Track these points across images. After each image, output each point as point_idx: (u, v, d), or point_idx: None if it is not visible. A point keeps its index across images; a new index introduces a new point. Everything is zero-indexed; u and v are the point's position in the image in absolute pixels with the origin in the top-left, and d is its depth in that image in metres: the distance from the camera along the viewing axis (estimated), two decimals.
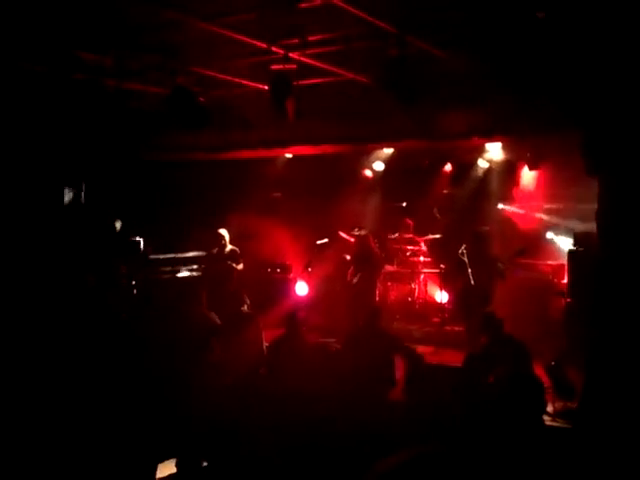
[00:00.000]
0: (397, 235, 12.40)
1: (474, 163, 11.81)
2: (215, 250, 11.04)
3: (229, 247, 11.02)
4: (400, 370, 6.90)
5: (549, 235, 11.13)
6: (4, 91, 8.63)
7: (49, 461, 5.08)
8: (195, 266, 12.12)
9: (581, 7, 6.28)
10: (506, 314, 8.10)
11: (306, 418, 4.50)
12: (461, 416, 4.17)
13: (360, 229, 11.39)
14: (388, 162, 12.35)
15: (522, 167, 11.35)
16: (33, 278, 9.34)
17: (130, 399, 5.97)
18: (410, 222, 12.43)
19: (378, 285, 11.36)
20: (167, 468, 5.93)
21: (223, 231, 11.08)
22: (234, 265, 10.90)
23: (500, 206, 11.76)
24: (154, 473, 5.57)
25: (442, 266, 11.68)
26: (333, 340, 9.97)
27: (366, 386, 5.98)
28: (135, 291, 11.17)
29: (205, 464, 5.37)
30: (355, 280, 10.76)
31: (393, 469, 1.80)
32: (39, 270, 9.52)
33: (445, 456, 1.87)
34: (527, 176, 11.38)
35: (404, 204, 12.80)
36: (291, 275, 12.55)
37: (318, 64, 7.99)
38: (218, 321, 8.28)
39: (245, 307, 9.84)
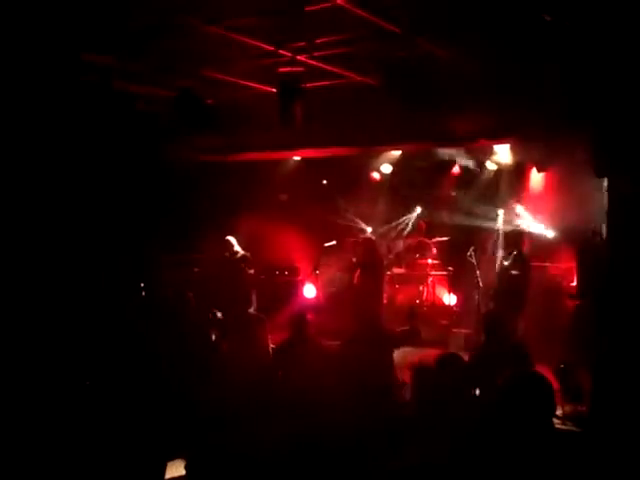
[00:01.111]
0: (408, 238, 12.42)
1: (482, 165, 11.77)
2: (227, 254, 11.10)
3: (241, 252, 11.09)
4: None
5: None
6: (10, 93, 8.64)
7: (59, 460, 5.09)
8: (203, 267, 12.15)
9: (589, 8, 6.25)
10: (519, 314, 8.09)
11: (313, 420, 4.49)
12: (469, 417, 4.14)
13: (366, 232, 11.42)
14: (396, 164, 12.34)
15: (531, 169, 11.30)
16: (42, 280, 9.35)
17: (138, 399, 5.98)
18: (424, 225, 12.43)
19: (386, 287, 11.34)
20: (175, 469, 5.96)
21: (231, 238, 11.14)
22: (246, 268, 10.97)
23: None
24: (163, 473, 5.57)
25: (450, 268, 11.66)
26: (340, 343, 9.95)
27: (371, 389, 5.96)
28: (143, 293, 11.20)
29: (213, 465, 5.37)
30: (362, 282, 10.75)
31: (402, 470, 1.79)
32: (47, 272, 9.53)
33: (452, 457, 1.86)
34: (536, 178, 11.33)
35: (419, 210, 12.74)
36: (299, 278, 12.55)
37: (325, 67, 7.99)
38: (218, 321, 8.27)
39: (252, 309, 9.82)
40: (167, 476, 5.77)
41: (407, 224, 12.70)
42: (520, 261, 9.63)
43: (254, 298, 11.42)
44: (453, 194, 12.46)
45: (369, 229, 12.49)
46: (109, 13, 6.43)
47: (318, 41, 7.18)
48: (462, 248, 11.08)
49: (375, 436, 4.15)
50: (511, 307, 8.92)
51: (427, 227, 12.43)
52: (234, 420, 5.29)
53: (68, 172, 10.22)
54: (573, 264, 10.13)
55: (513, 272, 9.53)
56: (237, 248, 11.14)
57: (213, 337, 8.13)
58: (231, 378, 6.57)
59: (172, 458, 6.01)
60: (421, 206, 12.71)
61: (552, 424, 3.70)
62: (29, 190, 9.76)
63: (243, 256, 11.11)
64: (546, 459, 3.32)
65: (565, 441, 4.52)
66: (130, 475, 5.18)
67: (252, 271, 11.07)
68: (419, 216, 12.70)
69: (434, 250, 12.24)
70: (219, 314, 8.50)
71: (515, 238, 9.88)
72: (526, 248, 9.98)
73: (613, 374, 6.59)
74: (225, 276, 11.06)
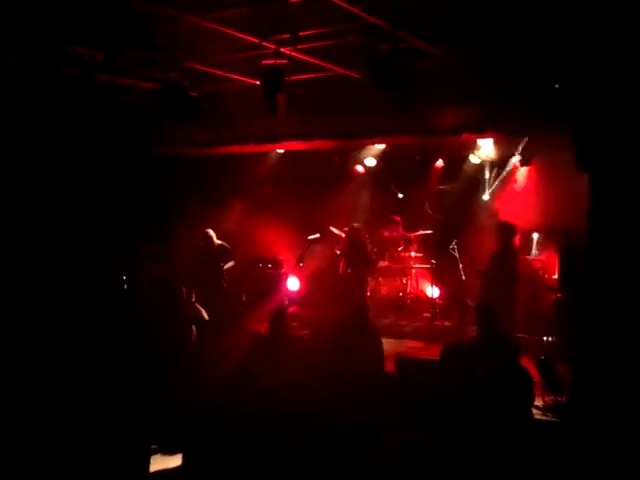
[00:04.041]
0: (387, 232, 12.44)
1: (466, 159, 11.82)
2: (202, 244, 11.03)
3: (217, 242, 11.03)
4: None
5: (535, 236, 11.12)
6: None
7: (43, 457, 5.08)
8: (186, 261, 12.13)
9: (572, 6, 6.30)
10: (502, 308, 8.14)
11: (292, 412, 4.52)
12: (450, 408, 4.19)
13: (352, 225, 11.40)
14: (380, 158, 12.38)
15: (514, 163, 11.38)
16: (27, 280, 9.30)
17: (121, 394, 5.97)
18: (398, 218, 12.46)
19: (369, 280, 11.39)
20: (164, 461, 5.98)
21: (210, 231, 11.10)
22: (222, 264, 10.94)
23: (485, 197, 11.79)
24: (147, 466, 5.59)
25: (433, 261, 11.72)
26: (322, 334, 9.98)
27: (352, 380, 5.99)
28: (125, 286, 11.16)
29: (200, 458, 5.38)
30: (346, 274, 10.78)
31: (379, 459, 1.81)
32: (32, 270, 9.48)
33: (432, 447, 1.88)
34: (519, 172, 11.41)
35: (400, 195, 12.83)
36: (283, 270, 12.56)
37: (310, 59, 7.98)
38: (205, 316, 8.30)
39: (237, 304, 9.86)
40: (162, 467, 5.81)
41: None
42: (510, 254, 9.67)
43: (244, 292, 11.47)
44: (436, 187, 12.52)
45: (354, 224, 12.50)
46: (94, 5, 6.39)
47: (302, 34, 7.18)
48: (445, 241, 11.15)
49: (357, 426, 4.18)
50: (500, 300, 8.97)
51: (404, 220, 12.47)
52: (214, 413, 5.31)
53: (49, 165, 10.18)
54: (555, 257, 10.21)
55: (503, 265, 9.58)
56: (216, 240, 11.09)
57: (195, 330, 8.15)
58: (213, 372, 6.58)
59: (159, 451, 6.06)
60: (403, 199, 12.80)
61: (531, 414, 3.76)
62: (10, 184, 9.71)
63: (220, 247, 11.06)
64: (525, 449, 3.37)
65: (545, 431, 4.58)
66: (114, 467, 5.19)
67: (231, 263, 11.03)
68: (400, 203, 12.78)
69: (414, 242, 12.29)
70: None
71: (506, 231, 9.84)
72: (517, 241, 10.01)
73: (592, 365, 6.67)
74: (204, 269, 11.01)
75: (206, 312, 8.53)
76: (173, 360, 6.86)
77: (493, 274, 9.56)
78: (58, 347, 7.22)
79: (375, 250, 11.91)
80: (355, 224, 11.17)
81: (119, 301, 10.47)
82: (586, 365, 6.74)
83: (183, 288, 8.60)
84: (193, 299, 8.61)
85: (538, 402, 6.67)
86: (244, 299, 11.31)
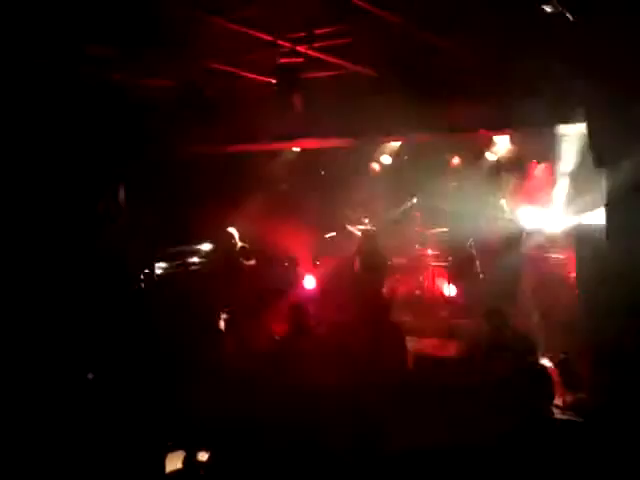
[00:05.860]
0: (404, 229, 12.43)
1: (482, 156, 11.76)
2: (226, 247, 11.14)
3: (239, 244, 11.12)
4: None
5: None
6: (10, 86, 8.63)
7: (58, 452, 5.11)
8: (204, 260, 12.19)
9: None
10: (517, 306, 8.12)
11: (312, 411, 4.52)
12: (466, 405, 4.17)
13: (367, 223, 11.38)
14: (395, 155, 12.35)
15: (531, 160, 11.31)
16: (39, 273, 9.36)
17: (139, 392, 6.00)
18: (418, 215, 12.44)
19: (386, 279, 11.36)
20: (173, 463, 5.99)
21: (232, 230, 11.16)
22: (245, 262, 11.02)
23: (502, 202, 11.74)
24: (163, 465, 5.60)
25: (450, 259, 11.67)
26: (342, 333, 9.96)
27: (373, 379, 5.99)
28: (142, 285, 11.21)
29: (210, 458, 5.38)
30: (363, 274, 10.76)
31: (401, 455, 1.81)
32: (43, 266, 9.52)
33: (454, 447, 1.87)
34: (536, 169, 11.34)
35: (415, 200, 12.80)
36: (299, 268, 12.56)
37: (325, 57, 7.97)
38: (226, 314, 8.34)
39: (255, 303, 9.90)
40: (178, 467, 5.82)
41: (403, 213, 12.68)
42: (516, 251, 9.71)
43: (268, 292, 11.50)
44: (453, 184, 12.47)
45: (367, 220, 12.47)
46: (110, 4, 6.41)
47: (318, 32, 7.17)
48: (462, 239, 11.10)
49: (376, 425, 4.18)
50: (504, 298, 8.97)
51: (422, 218, 12.44)
52: (234, 413, 5.32)
53: (64, 164, 10.22)
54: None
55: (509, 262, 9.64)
56: (237, 241, 11.17)
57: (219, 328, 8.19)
58: (231, 370, 6.60)
59: (171, 450, 6.07)
60: (419, 197, 12.74)
61: (550, 413, 3.73)
62: (26, 181, 9.76)
63: (242, 248, 11.14)
64: (545, 447, 3.34)
65: (565, 430, 4.54)
66: (131, 467, 5.21)
67: (252, 261, 11.10)
68: (414, 206, 12.74)
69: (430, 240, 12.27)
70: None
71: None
72: (524, 238, 10.03)
73: (614, 364, 6.61)
74: (230, 268, 11.09)
75: (232, 310, 8.56)
76: (193, 358, 6.88)
77: (496, 273, 9.62)
78: (77, 345, 7.27)
79: (392, 248, 11.90)
80: (368, 225, 11.13)
81: (138, 301, 10.51)
82: (607, 363, 6.69)
83: (202, 285, 8.64)
84: None
85: (558, 401, 6.62)
86: (261, 298, 11.33)
